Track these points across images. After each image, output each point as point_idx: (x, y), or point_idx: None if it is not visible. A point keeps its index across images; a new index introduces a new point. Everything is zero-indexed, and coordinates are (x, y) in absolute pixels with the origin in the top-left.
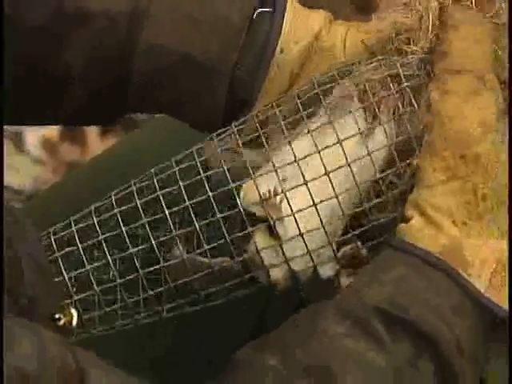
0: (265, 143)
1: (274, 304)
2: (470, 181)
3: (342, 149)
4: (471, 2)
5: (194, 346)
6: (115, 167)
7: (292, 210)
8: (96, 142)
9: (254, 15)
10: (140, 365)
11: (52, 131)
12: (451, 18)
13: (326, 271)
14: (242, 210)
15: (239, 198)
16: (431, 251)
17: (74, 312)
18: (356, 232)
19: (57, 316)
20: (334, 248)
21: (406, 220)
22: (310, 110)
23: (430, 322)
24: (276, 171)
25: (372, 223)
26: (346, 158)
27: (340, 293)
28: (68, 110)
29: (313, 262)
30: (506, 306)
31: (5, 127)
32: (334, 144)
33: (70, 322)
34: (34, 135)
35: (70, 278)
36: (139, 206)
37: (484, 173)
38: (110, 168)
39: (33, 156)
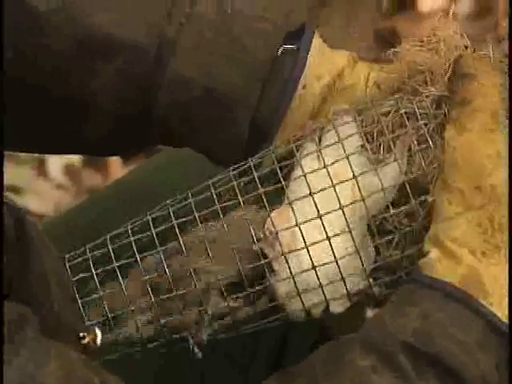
0: (281, 178)
1: (293, 331)
2: (486, 211)
3: (357, 184)
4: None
5: (213, 374)
6: (133, 192)
7: (305, 243)
8: (118, 168)
9: (279, 51)
10: None
11: (74, 157)
12: (466, 67)
13: (337, 307)
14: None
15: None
16: (452, 283)
17: (98, 331)
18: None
19: (81, 335)
20: (346, 283)
21: (424, 255)
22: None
23: (455, 358)
24: (290, 204)
25: (385, 260)
26: (361, 193)
27: (365, 325)
28: (90, 141)
29: (325, 297)
30: None
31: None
32: (350, 179)
33: (94, 341)
34: (56, 161)
35: (83, 303)
36: (154, 235)
37: (500, 203)
38: (128, 193)
39: (55, 181)
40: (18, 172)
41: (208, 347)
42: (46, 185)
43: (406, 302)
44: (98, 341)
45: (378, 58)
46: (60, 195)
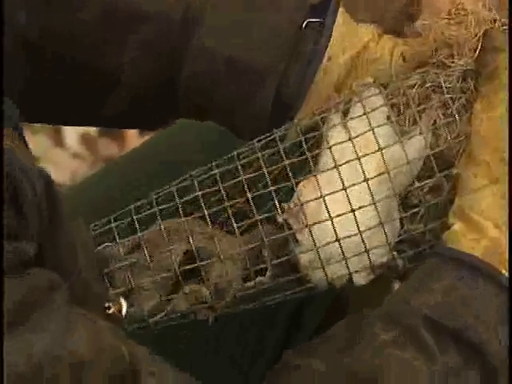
0: (305, 150)
1: (308, 300)
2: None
3: (383, 157)
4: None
5: (230, 342)
6: (150, 162)
7: (330, 215)
8: (134, 137)
9: (304, 24)
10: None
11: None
12: (496, 40)
13: (360, 280)
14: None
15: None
16: (476, 254)
17: (123, 302)
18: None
19: (106, 305)
20: (370, 256)
21: (449, 227)
22: (351, 116)
23: (478, 332)
24: (315, 177)
25: (409, 233)
26: (386, 166)
27: (387, 298)
28: (113, 112)
29: (348, 269)
30: None
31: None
32: (374, 152)
33: (120, 311)
34: (72, 130)
35: (107, 272)
36: (179, 206)
37: None
38: (145, 162)
39: (71, 150)
40: (34, 141)
41: (210, 347)
42: (63, 154)
43: (430, 276)
44: (124, 311)
45: (401, 30)
46: (76, 164)
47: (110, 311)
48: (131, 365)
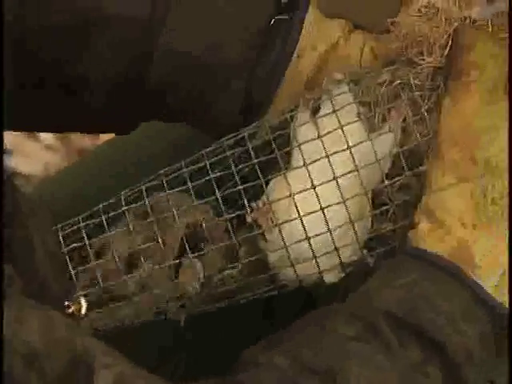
0: (275, 149)
1: (279, 298)
2: (479, 184)
3: (352, 155)
4: (487, 25)
5: (198, 341)
6: (123, 155)
7: (299, 214)
8: None
9: (272, 22)
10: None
11: None
12: (467, 37)
13: (331, 278)
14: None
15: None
16: (440, 254)
17: (83, 301)
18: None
19: (66, 303)
20: (340, 254)
21: (415, 225)
22: (320, 114)
23: (439, 328)
24: (284, 175)
25: (378, 231)
26: (355, 164)
27: (351, 295)
28: (84, 117)
29: (318, 267)
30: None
31: None
32: (344, 150)
33: (79, 311)
34: None
35: (76, 273)
36: (148, 205)
37: (493, 177)
38: (118, 155)
39: (44, 142)
40: (7, 133)
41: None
42: (36, 146)
43: (393, 272)
44: (83, 311)
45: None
46: (49, 156)
47: (70, 310)
48: (84, 357)
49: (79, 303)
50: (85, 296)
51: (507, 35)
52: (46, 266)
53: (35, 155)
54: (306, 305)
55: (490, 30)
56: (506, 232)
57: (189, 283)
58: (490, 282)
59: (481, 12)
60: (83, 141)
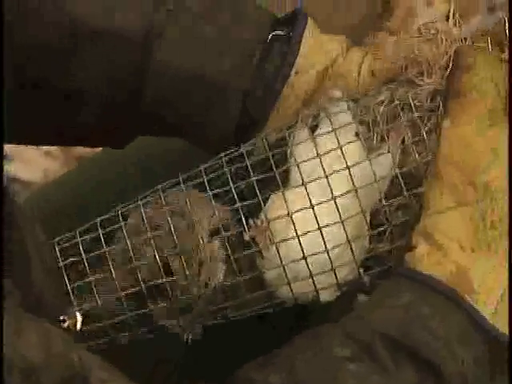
0: (273, 166)
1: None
2: (478, 208)
3: (350, 175)
4: (489, 43)
5: (192, 353)
6: (122, 162)
7: (297, 233)
8: None
9: (270, 37)
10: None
11: None
12: (467, 59)
13: (326, 296)
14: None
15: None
16: (438, 278)
17: (78, 315)
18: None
19: (61, 318)
20: (336, 274)
21: (412, 248)
22: (319, 132)
23: (434, 351)
24: (283, 193)
25: (375, 251)
26: (354, 184)
27: (347, 315)
28: (79, 131)
29: (315, 286)
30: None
31: None
32: (342, 170)
33: (75, 325)
34: None
35: (72, 288)
36: (145, 220)
37: (492, 201)
38: (117, 162)
39: (43, 149)
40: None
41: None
42: (35, 152)
43: (389, 294)
44: (78, 325)
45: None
46: (48, 163)
47: (65, 325)
48: (81, 371)
49: (75, 317)
50: (80, 310)
51: (507, 56)
52: (42, 279)
53: (35, 162)
54: (299, 316)
55: (490, 49)
56: (506, 254)
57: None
58: (488, 307)
59: (482, 21)
60: (82, 148)
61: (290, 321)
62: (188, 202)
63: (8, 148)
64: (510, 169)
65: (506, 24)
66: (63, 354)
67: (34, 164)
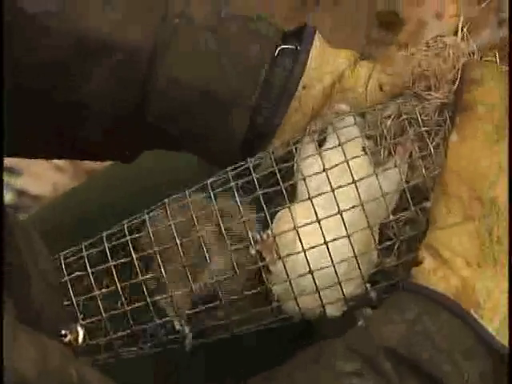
0: (280, 180)
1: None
2: (485, 223)
3: (357, 190)
4: (497, 57)
5: (194, 367)
6: (131, 176)
7: (303, 248)
8: None
9: (277, 51)
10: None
11: None
12: (475, 73)
13: (333, 312)
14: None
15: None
16: (444, 293)
17: (80, 330)
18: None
19: (63, 332)
20: (343, 288)
21: (419, 262)
22: (326, 147)
23: (439, 366)
24: (289, 208)
25: (382, 266)
26: (360, 198)
27: (351, 329)
28: (85, 144)
29: (321, 301)
30: None
31: None
32: (350, 184)
33: (76, 340)
34: None
35: (77, 303)
36: (151, 235)
37: (499, 216)
38: (122, 180)
39: (53, 163)
40: None
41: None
42: (44, 166)
43: (394, 309)
44: (80, 339)
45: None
46: (58, 177)
47: (66, 339)
48: None
49: (76, 332)
50: (81, 325)
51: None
52: (42, 294)
53: (44, 176)
54: (304, 333)
55: (498, 63)
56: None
57: None
58: (493, 322)
59: (491, 34)
60: (92, 162)
61: (294, 336)
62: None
63: (17, 162)
64: (510, 176)
65: None
66: (60, 369)
67: (43, 178)
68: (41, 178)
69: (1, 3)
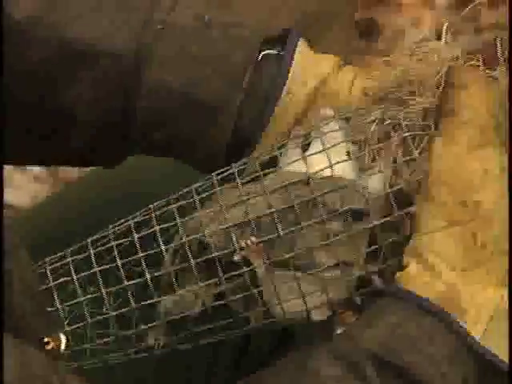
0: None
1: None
2: (469, 227)
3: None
4: (481, 62)
5: (177, 374)
6: (109, 185)
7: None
8: None
9: (260, 56)
10: None
11: None
12: (460, 77)
13: (317, 316)
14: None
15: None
16: (428, 298)
17: (62, 337)
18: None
19: (45, 340)
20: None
21: (403, 267)
22: (310, 152)
23: (422, 370)
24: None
25: (367, 270)
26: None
27: (334, 335)
28: (70, 151)
29: (306, 305)
30: (501, 355)
31: None
32: (332, 191)
33: (59, 347)
34: None
35: (63, 309)
36: (136, 240)
37: (484, 220)
38: (103, 186)
39: (32, 174)
40: None
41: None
42: (23, 178)
43: (377, 313)
44: (62, 347)
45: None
46: (37, 188)
47: (49, 347)
48: None
49: (59, 339)
50: (64, 332)
51: (497, 74)
52: (23, 300)
53: (24, 187)
54: (282, 340)
55: (482, 67)
56: (498, 276)
57: None
58: (477, 327)
59: (470, 41)
60: (71, 171)
61: (273, 342)
62: None
63: None
64: (510, 180)
65: (498, 44)
66: (41, 377)
67: (23, 189)
68: (20, 189)
69: (0, 3)
